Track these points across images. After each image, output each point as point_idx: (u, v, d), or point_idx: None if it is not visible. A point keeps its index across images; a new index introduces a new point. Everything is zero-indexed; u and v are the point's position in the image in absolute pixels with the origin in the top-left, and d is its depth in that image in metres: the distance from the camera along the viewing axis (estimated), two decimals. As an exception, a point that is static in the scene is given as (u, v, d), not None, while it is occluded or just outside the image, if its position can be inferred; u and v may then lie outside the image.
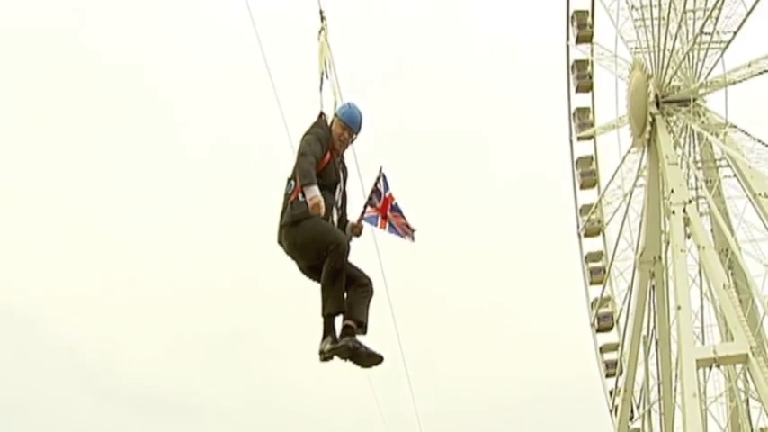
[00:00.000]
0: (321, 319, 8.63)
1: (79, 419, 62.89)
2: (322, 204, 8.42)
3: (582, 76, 43.78)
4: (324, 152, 8.70)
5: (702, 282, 35.73)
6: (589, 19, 42.87)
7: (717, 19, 33.81)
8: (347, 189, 9.21)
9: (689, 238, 34.38)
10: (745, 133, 34.28)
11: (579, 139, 44.31)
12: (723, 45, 33.63)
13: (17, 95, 68.49)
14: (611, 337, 42.95)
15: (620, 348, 41.40)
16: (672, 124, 35.79)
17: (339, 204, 9.01)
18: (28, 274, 68.18)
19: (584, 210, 44.39)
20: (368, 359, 8.68)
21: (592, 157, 44.44)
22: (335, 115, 9.03)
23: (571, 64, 43.78)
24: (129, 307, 67.73)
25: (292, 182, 8.70)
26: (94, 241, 71.70)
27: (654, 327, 35.94)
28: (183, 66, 73.81)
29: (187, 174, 74.13)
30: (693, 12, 34.91)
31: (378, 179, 9.20)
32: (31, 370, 62.72)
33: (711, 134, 33.67)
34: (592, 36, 42.93)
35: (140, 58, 74.88)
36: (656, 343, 36.04)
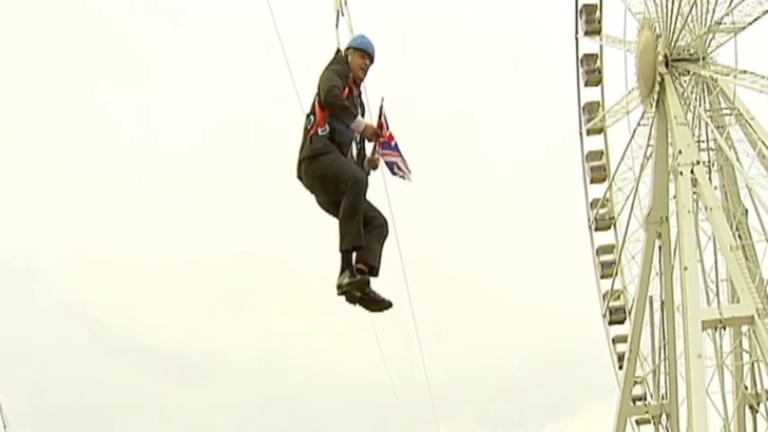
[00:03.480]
0: (339, 256, 8.64)
1: (89, 376, 62.93)
2: (373, 125, 8.81)
3: (591, 71, 43.76)
4: (343, 87, 8.75)
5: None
6: (598, 13, 43.19)
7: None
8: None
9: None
10: (755, 74, 33.71)
11: (589, 132, 43.97)
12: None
13: (20, 55, 68.92)
14: (624, 328, 41.58)
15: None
16: (683, 83, 35.42)
17: (358, 139, 9.08)
18: (39, 233, 68.66)
19: (595, 203, 43.66)
20: (376, 304, 8.78)
21: (602, 152, 44.02)
22: (350, 48, 9.10)
23: (580, 57, 43.83)
24: (140, 265, 67.95)
25: (311, 117, 8.77)
26: (105, 201, 71.99)
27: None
28: (190, 21, 74.04)
29: (200, 132, 73.81)
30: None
31: (381, 112, 9.12)
32: (42, 327, 62.07)
33: (724, 75, 33.34)
34: (600, 30, 43.16)
35: (152, 13, 75.06)
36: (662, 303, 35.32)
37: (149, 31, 75.29)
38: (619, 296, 41.79)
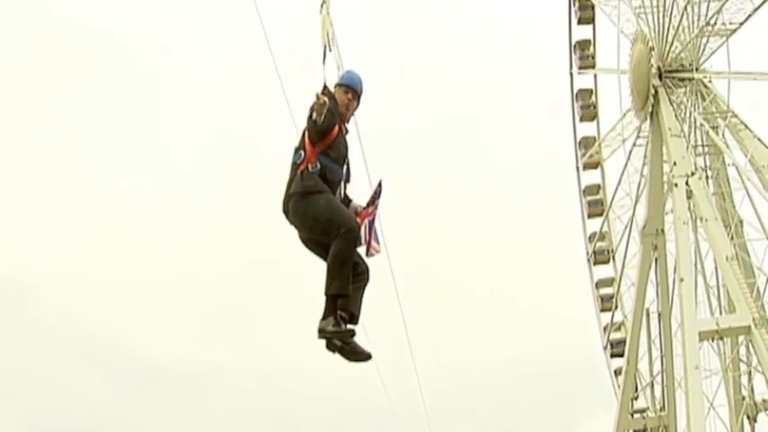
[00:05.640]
0: (324, 298, 8.71)
1: (84, 395, 61.56)
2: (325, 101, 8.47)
3: (586, 106, 43.64)
4: (334, 124, 8.70)
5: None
6: (591, 48, 43.42)
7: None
8: (350, 164, 9.23)
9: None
10: (748, 72, 33.45)
11: (585, 167, 43.60)
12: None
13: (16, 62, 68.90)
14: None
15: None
16: (678, 95, 35.15)
17: (345, 178, 9.08)
18: (36, 250, 67.02)
19: (593, 237, 42.94)
20: (355, 355, 8.81)
21: (599, 186, 43.54)
22: (336, 84, 9.06)
23: (575, 93, 43.80)
24: (138, 282, 66.38)
25: (301, 152, 8.73)
26: (99, 218, 70.70)
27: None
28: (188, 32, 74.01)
29: (199, 148, 73.07)
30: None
31: (377, 190, 9.34)
32: (35, 345, 60.98)
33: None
34: (594, 65, 43.34)
35: (149, 26, 75.36)
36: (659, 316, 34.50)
37: (150, 47, 75.90)
38: (620, 327, 40.57)
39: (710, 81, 35.34)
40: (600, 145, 43.17)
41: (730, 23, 33.96)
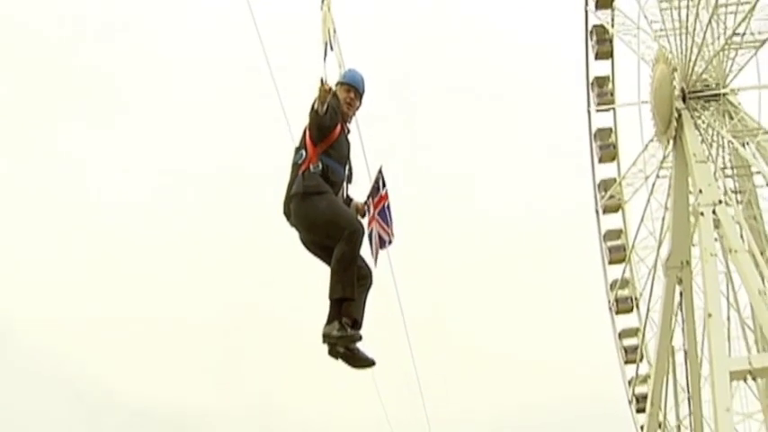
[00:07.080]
0: (328, 303, 8.45)
1: None
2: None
3: (605, 146, 41.01)
4: (335, 124, 8.45)
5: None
6: (610, 85, 41.12)
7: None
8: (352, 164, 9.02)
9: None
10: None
11: (606, 210, 40.76)
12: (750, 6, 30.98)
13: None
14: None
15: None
16: (703, 118, 32.47)
17: (346, 178, 8.86)
18: (11, 291, 63.26)
19: (614, 285, 39.87)
20: (359, 362, 8.51)
21: (621, 231, 40.63)
22: (338, 83, 8.82)
23: (594, 132, 41.26)
24: (119, 325, 62.62)
25: (302, 151, 8.49)
26: (82, 254, 67.16)
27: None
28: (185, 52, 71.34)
29: (190, 183, 69.74)
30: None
31: (377, 178, 9.16)
32: (18, 388, 57.29)
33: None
34: (613, 101, 40.98)
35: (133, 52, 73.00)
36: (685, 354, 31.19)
37: (131, 71, 73.98)
38: (645, 380, 37.10)
39: (740, 103, 32.75)
40: (621, 185, 40.41)
41: (759, 33, 31.48)
